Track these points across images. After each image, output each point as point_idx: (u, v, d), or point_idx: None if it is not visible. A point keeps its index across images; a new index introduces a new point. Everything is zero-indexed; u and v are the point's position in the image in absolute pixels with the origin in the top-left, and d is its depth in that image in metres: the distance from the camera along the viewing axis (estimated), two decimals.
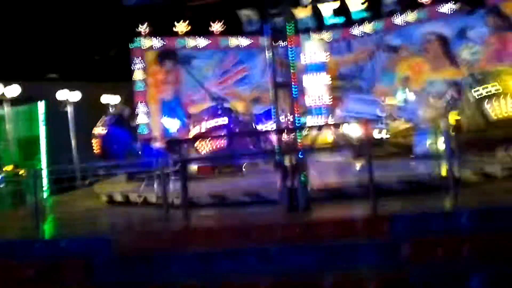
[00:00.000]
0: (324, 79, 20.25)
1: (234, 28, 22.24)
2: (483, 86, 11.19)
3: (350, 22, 22.28)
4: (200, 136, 15.65)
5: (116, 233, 7.07)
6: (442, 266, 5.54)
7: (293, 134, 8.49)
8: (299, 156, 7.80)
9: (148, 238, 6.90)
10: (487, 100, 11.00)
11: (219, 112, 16.61)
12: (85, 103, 20.25)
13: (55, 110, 18.63)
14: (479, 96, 11.18)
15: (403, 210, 6.87)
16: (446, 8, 19.89)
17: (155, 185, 9.33)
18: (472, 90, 11.41)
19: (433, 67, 19.90)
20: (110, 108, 20.44)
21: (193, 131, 16.53)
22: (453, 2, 19.42)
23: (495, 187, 8.15)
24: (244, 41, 22.45)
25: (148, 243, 6.80)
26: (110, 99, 21.26)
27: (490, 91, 11.09)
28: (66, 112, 19.47)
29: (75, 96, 19.78)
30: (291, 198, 7.46)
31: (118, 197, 10.95)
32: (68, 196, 13.35)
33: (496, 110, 10.94)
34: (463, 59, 19.49)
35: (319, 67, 20.39)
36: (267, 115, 16.60)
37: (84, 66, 24.62)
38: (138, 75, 20.75)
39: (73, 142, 18.92)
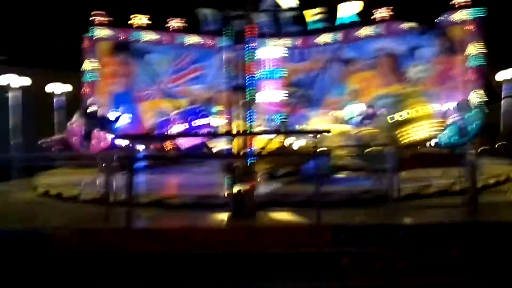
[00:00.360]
0: (279, 85, 20.42)
1: (192, 26, 22.05)
2: (396, 111, 11.73)
3: (307, 31, 22.67)
4: (179, 134, 16.53)
5: (53, 229, 6.80)
6: (380, 276, 5.74)
7: (244, 138, 8.48)
8: (248, 161, 7.82)
9: (87, 237, 6.69)
10: (398, 125, 11.57)
11: (203, 113, 17.24)
12: (31, 89, 19.35)
13: None
14: (392, 121, 11.71)
15: (346, 221, 7.04)
16: (399, 26, 20.68)
17: (99, 180, 9.06)
18: (386, 114, 11.93)
19: (382, 82, 20.56)
20: (56, 97, 19.72)
21: (175, 129, 16.88)
22: (407, 21, 20.28)
23: (423, 203, 8.55)
24: (201, 40, 22.28)
25: (87, 241, 6.60)
26: (59, 88, 20.46)
27: (402, 116, 11.68)
28: (7, 98, 18.51)
29: (21, 81, 18.83)
30: (237, 203, 7.45)
31: (59, 191, 10.55)
32: (3, 186, 12.69)
33: (405, 135, 11.54)
34: (409, 77, 20.32)
35: (275, 73, 20.54)
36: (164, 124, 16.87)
37: (34, 51, 23.63)
38: (88, 65, 20.11)
39: (11, 130, 18.01)
